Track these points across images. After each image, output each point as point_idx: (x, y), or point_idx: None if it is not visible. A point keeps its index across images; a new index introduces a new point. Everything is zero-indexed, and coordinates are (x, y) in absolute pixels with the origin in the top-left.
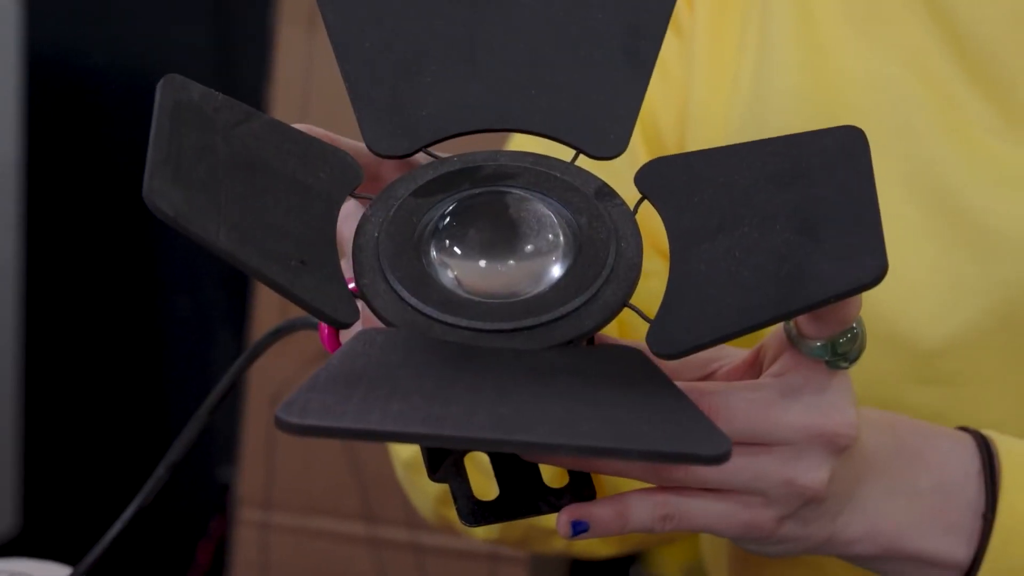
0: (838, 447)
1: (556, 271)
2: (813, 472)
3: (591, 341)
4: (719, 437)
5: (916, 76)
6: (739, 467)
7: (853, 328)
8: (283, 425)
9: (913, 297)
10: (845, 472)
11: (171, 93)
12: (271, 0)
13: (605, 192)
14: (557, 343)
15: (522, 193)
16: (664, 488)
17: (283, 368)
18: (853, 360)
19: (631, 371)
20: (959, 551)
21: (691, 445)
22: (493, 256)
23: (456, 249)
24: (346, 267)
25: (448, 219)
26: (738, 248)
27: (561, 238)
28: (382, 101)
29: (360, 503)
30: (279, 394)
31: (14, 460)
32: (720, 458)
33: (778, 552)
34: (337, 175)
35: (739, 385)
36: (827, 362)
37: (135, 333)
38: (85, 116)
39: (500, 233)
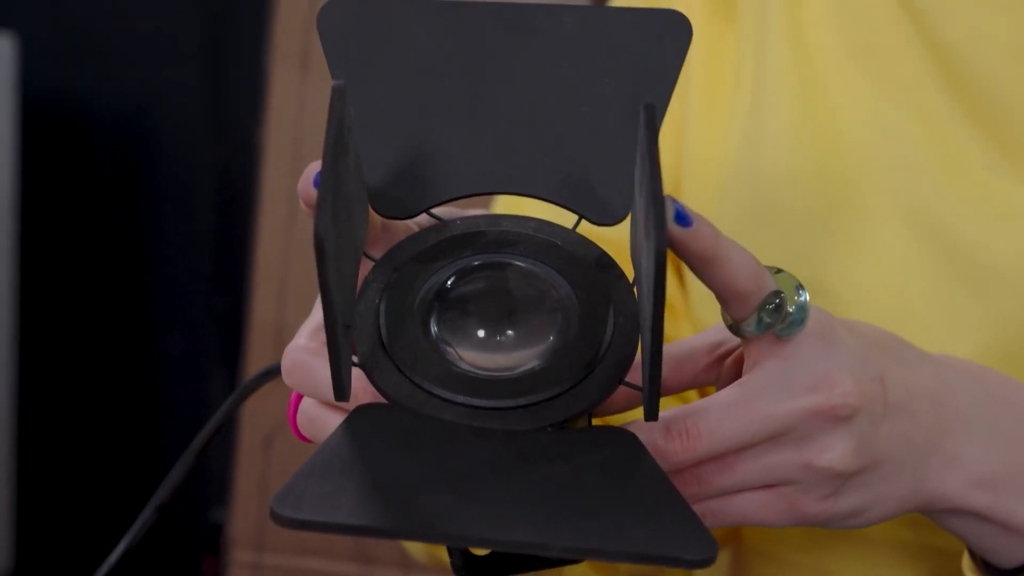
0: (841, 417)
1: (554, 346)
2: (828, 451)
3: (589, 415)
4: (705, 539)
5: (913, 113)
6: (750, 467)
7: (774, 297)
8: (279, 519)
9: (911, 333)
10: (901, 427)
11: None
12: (264, 41)
13: (605, 263)
14: (551, 423)
15: (523, 264)
16: None
17: (275, 409)
18: (799, 322)
19: (622, 458)
20: None
21: (677, 548)
22: (491, 330)
23: (455, 322)
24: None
25: (448, 290)
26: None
27: (559, 313)
28: (386, 160)
29: (353, 543)
30: (272, 435)
31: (8, 498)
32: (706, 562)
33: (867, 521)
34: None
35: (719, 395)
36: (776, 336)
37: (128, 372)
38: (79, 155)
39: (499, 306)
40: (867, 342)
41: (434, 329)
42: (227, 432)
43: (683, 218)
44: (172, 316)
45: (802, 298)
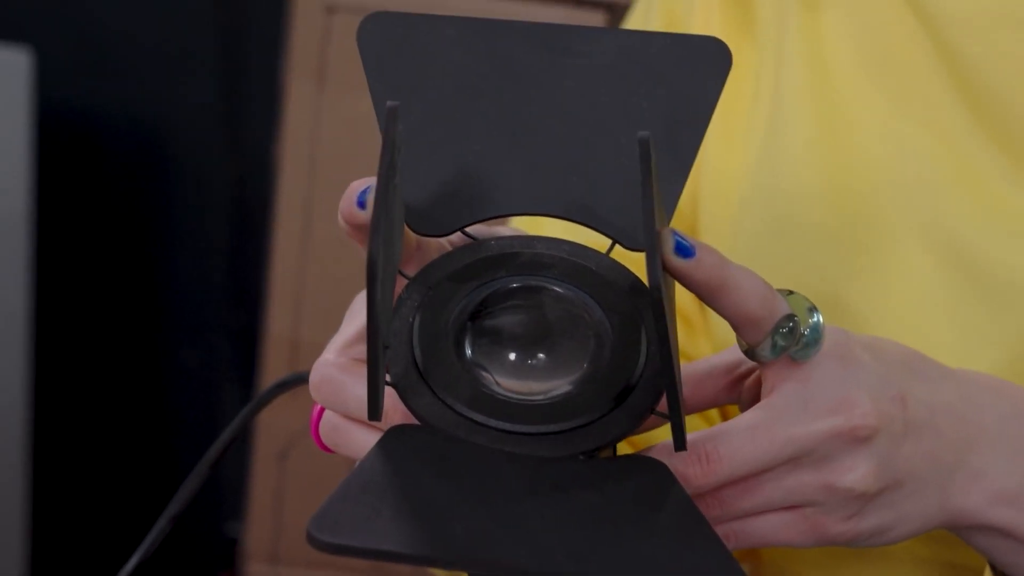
0: (861, 438)
1: (587, 373)
2: (850, 472)
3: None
4: (734, 570)
5: (930, 128)
6: (772, 490)
7: (787, 320)
8: (315, 542)
9: (929, 348)
10: (924, 445)
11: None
12: (280, 54)
13: (638, 289)
14: (582, 451)
15: (557, 288)
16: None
17: (290, 422)
18: (814, 344)
19: (652, 488)
20: None
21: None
22: (525, 355)
23: (489, 345)
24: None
25: (483, 312)
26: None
27: (593, 340)
28: (422, 178)
29: None
30: (287, 448)
31: (22, 510)
32: None
33: (891, 539)
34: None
35: (739, 418)
36: (792, 359)
37: (144, 384)
38: (95, 169)
39: (533, 331)
40: (886, 360)
41: (468, 352)
42: (242, 445)
43: (684, 249)
44: (188, 329)
45: (815, 319)
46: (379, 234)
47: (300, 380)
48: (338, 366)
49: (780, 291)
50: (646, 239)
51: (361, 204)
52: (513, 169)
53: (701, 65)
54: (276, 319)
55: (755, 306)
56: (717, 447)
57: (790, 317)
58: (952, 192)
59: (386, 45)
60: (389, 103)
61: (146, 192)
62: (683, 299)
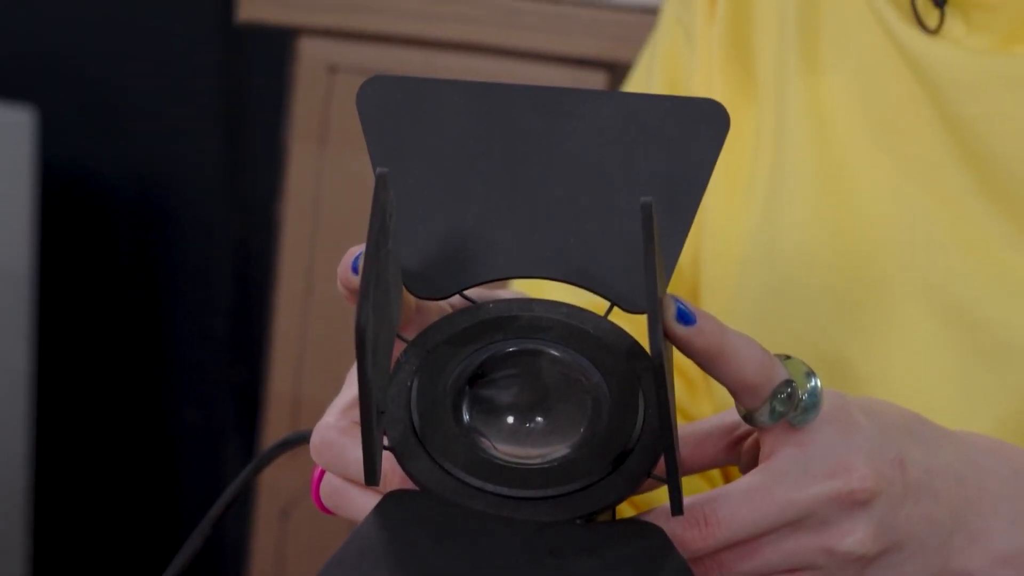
0: (860, 502)
1: (584, 436)
2: (849, 536)
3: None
4: None
5: (932, 189)
6: (771, 553)
7: (785, 386)
8: None
9: (930, 409)
10: (923, 508)
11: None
12: (283, 115)
13: (636, 352)
14: (580, 515)
15: (555, 352)
16: None
17: (293, 481)
18: (813, 408)
19: (649, 554)
20: None
21: None
22: (523, 419)
23: (486, 410)
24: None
25: (480, 377)
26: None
27: (590, 403)
28: (421, 241)
29: None
30: (289, 507)
31: (22, 569)
32: None
33: None
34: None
35: (737, 482)
36: (790, 424)
37: (146, 442)
38: (97, 228)
39: (531, 395)
40: (885, 423)
41: (465, 416)
42: (244, 504)
43: (686, 316)
44: (189, 387)
45: (813, 383)
46: (368, 302)
47: (302, 439)
48: (338, 429)
49: (778, 356)
50: (648, 305)
51: (355, 269)
52: (512, 232)
53: (700, 127)
54: (278, 376)
55: (752, 372)
56: (716, 510)
57: (788, 383)
58: (954, 253)
59: (386, 108)
60: (379, 170)
61: (149, 250)
62: (684, 358)
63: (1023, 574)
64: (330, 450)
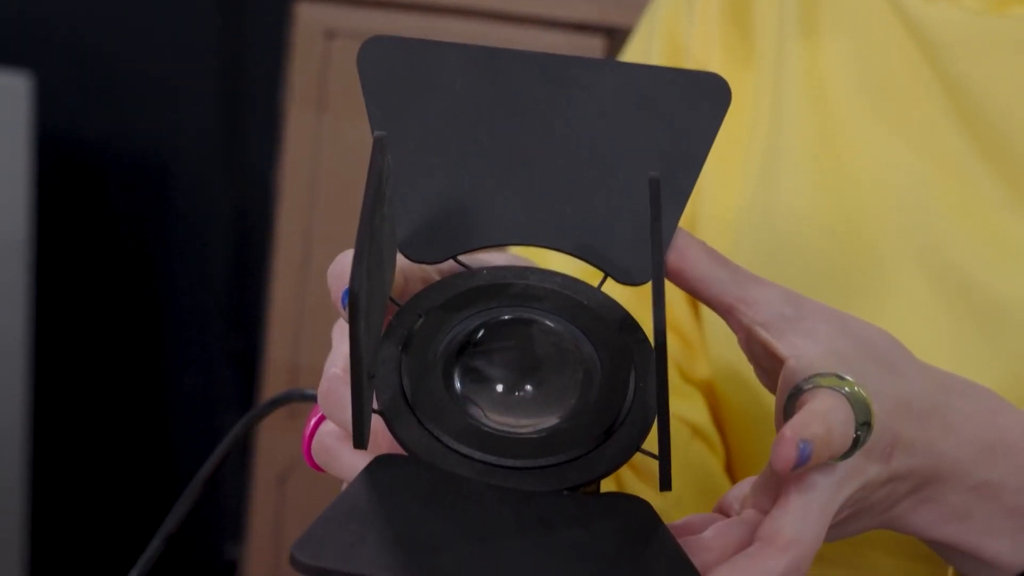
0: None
1: (575, 408)
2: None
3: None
4: None
5: (928, 153)
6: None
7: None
8: (298, 565)
9: None
10: (894, 488)
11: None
12: (280, 82)
13: (629, 325)
14: (568, 486)
15: (547, 323)
16: None
17: (290, 446)
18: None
19: (637, 526)
20: (1020, 555)
21: None
22: (513, 389)
23: (478, 378)
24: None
25: (472, 345)
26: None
27: (582, 375)
28: (417, 205)
29: None
30: (286, 472)
31: (21, 542)
32: None
33: (834, 536)
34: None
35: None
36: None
37: (143, 410)
38: (93, 196)
39: (522, 365)
40: (862, 352)
41: (456, 384)
42: (242, 469)
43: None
44: (187, 355)
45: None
46: (362, 268)
47: (294, 397)
48: (343, 380)
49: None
50: (653, 281)
51: (344, 303)
52: (508, 199)
53: (701, 101)
54: (276, 344)
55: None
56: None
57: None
58: (949, 217)
59: (385, 70)
60: (376, 133)
61: (146, 216)
62: (678, 315)
63: (966, 528)
64: (333, 399)
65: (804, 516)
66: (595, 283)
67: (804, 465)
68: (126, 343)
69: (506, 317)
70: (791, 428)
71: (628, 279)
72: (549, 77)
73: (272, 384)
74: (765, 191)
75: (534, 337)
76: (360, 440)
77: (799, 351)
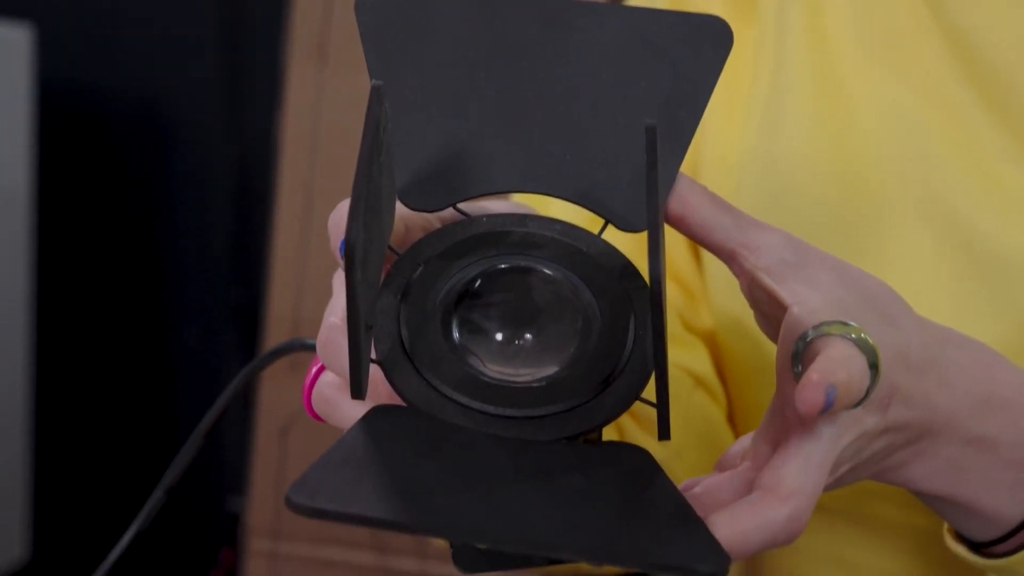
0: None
1: (573, 356)
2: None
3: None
4: (717, 551)
5: (930, 102)
6: None
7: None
8: (294, 506)
9: None
10: (890, 439)
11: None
12: (281, 34)
13: (629, 272)
14: (566, 435)
15: (547, 271)
16: None
17: (292, 399)
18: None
19: (636, 474)
20: (1017, 507)
21: (690, 558)
22: (512, 338)
23: (476, 327)
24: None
25: (471, 294)
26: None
27: (581, 323)
28: (416, 153)
29: (370, 533)
30: (288, 425)
31: (24, 490)
32: (717, 573)
33: (827, 487)
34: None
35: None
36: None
37: (145, 363)
38: (96, 147)
39: (521, 314)
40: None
41: (455, 333)
42: (244, 422)
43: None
44: (189, 308)
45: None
46: (358, 219)
47: (295, 347)
48: (341, 329)
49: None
50: (649, 232)
51: (342, 251)
52: (508, 146)
53: (703, 45)
54: (278, 297)
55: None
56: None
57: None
58: (951, 166)
59: (385, 17)
60: (374, 82)
61: (147, 169)
62: (681, 264)
63: (961, 480)
64: (331, 348)
65: (806, 465)
66: (596, 230)
67: (828, 411)
68: (128, 296)
69: (505, 266)
70: (818, 372)
71: (628, 225)
72: (548, 21)
73: (274, 336)
74: (767, 139)
75: (533, 286)
76: (358, 391)
77: (802, 298)
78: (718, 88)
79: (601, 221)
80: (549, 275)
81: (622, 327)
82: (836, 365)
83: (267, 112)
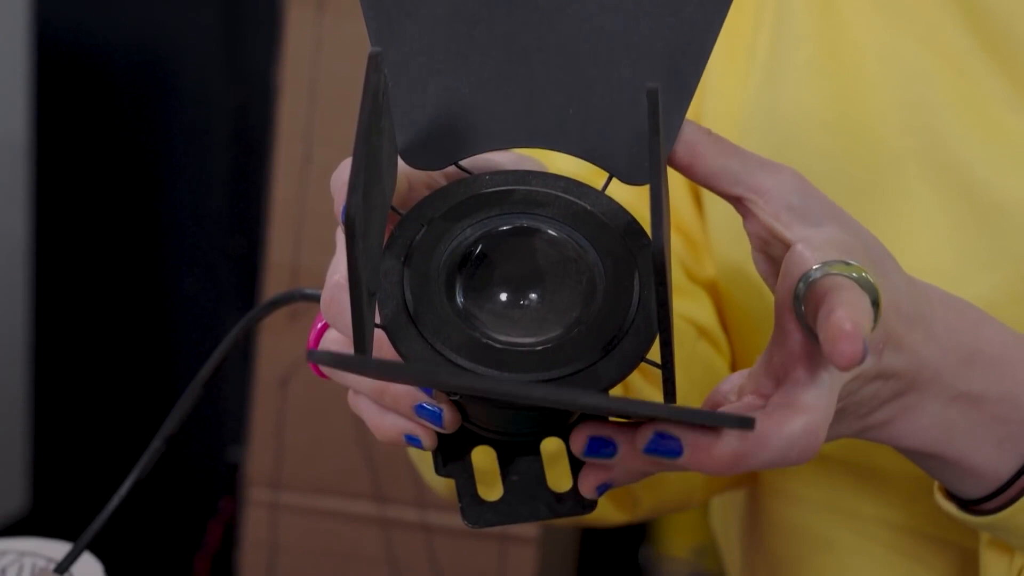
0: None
1: (578, 318)
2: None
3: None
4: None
5: (932, 50)
6: None
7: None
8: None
9: (926, 271)
10: (877, 390)
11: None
12: None
13: (633, 230)
14: None
15: (549, 232)
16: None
17: (291, 349)
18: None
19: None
20: (1005, 465)
21: (720, 418)
22: (516, 301)
23: (480, 291)
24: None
25: (474, 257)
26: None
27: (585, 284)
28: (417, 111)
29: (369, 483)
30: (288, 375)
31: (24, 440)
32: (748, 424)
33: None
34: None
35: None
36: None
37: (144, 312)
38: (94, 95)
39: (525, 277)
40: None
41: (458, 296)
42: (243, 372)
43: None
44: (188, 257)
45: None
46: (358, 190)
47: (295, 297)
48: (344, 287)
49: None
50: (653, 203)
51: (343, 218)
52: (510, 101)
53: None
54: (276, 245)
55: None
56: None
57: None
58: (953, 114)
59: None
60: (372, 50)
61: (146, 117)
62: (683, 213)
63: (949, 437)
64: (335, 307)
65: (819, 388)
66: (600, 182)
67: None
68: (126, 245)
69: (507, 227)
70: (852, 323)
71: (632, 179)
72: None
73: (272, 286)
74: (770, 89)
75: (536, 248)
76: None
77: (805, 236)
78: (720, 39)
79: (605, 174)
80: (552, 235)
81: (626, 287)
82: (859, 312)
83: (266, 59)
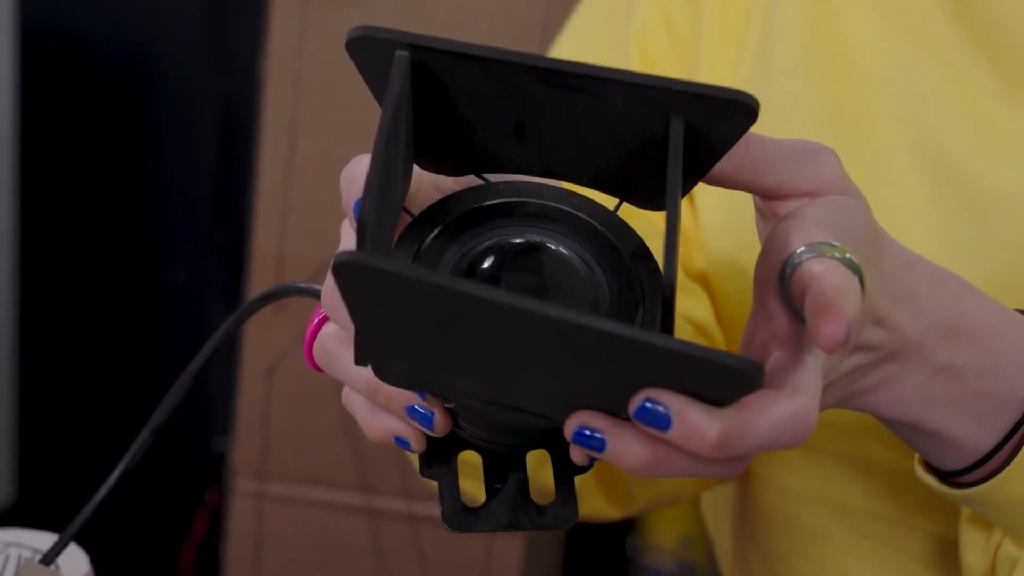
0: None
1: None
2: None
3: None
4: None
5: (923, 43)
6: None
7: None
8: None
9: None
10: (857, 362)
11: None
12: None
13: (641, 254)
14: None
15: (558, 249)
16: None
17: (277, 339)
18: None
19: None
20: (985, 437)
21: (727, 358)
22: None
23: None
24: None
25: (480, 268)
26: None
27: (588, 303)
28: (437, 121)
29: (356, 473)
30: (274, 365)
31: (10, 431)
32: (756, 370)
33: None
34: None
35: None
36: None
37: (130, 302)
38: (80, 85)
39: (530, 289)
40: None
41: None
42: (229, 362)
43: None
44: (174, 247)
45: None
46: (373, 196)
47: (288, 292)
48: None
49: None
50: (667, 241)
51: (356, 213)
52: (520, 151)
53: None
54: (262, 235)
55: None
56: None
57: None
58: (944, 107)
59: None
60: (398, 53)
61: (131, 107)
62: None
63: (928, 409)
64: (334, 300)
65: (805, 370)
66: (612, 202)
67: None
68: (112, 235)
69: (516, 240)
70: (839, 307)
71: (643, 206)
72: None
73: (258, 275)
74: (761, 77)
75: (543, 263)
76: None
77: (793, 211)
78: (711, 27)
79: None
80: (559, 253)
81: (628, 311)
82: (848, 296)
83: (251, 49)
